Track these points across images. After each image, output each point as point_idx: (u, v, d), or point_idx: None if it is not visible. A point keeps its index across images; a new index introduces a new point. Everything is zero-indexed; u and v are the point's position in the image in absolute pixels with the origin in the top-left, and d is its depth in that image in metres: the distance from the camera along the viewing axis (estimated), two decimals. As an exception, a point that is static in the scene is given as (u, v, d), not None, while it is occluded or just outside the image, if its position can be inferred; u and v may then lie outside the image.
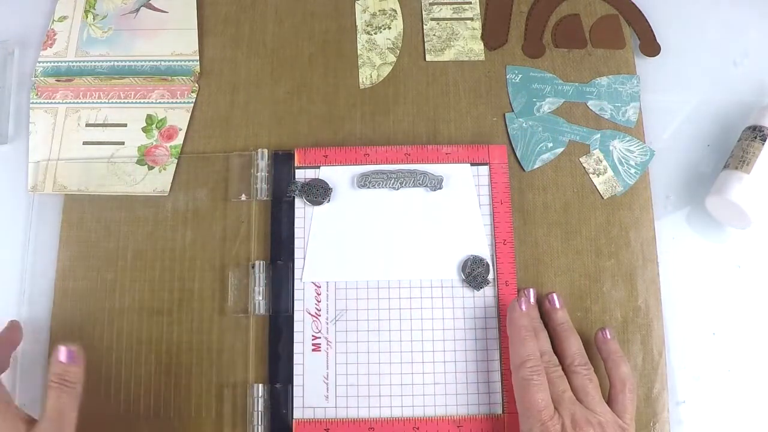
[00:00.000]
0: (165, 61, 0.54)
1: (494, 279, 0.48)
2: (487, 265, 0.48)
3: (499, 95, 0.53)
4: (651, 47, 0.54)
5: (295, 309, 0.48)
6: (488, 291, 0.48)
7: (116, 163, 0.51)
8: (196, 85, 0.53)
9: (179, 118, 0.52)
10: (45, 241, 0.50)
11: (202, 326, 0.48)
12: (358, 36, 0.55)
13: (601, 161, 0.51)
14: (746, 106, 0.53)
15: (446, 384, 0.46)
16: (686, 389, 0.48)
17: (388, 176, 0.49)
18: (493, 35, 0.55)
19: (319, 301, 0.48)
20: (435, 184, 0.49)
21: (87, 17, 0.55)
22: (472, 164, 0.50)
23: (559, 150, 0.51)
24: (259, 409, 0.46)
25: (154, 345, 0.48)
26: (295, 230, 0.49)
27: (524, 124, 0.52)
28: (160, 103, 0.53)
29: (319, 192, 0.49)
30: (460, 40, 0.54)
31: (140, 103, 0.53)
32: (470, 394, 0.46)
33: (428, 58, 0.54)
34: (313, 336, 0.47)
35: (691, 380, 0.48)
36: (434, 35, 0.55)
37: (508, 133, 0.52)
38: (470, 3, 0.56)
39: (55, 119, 0.52)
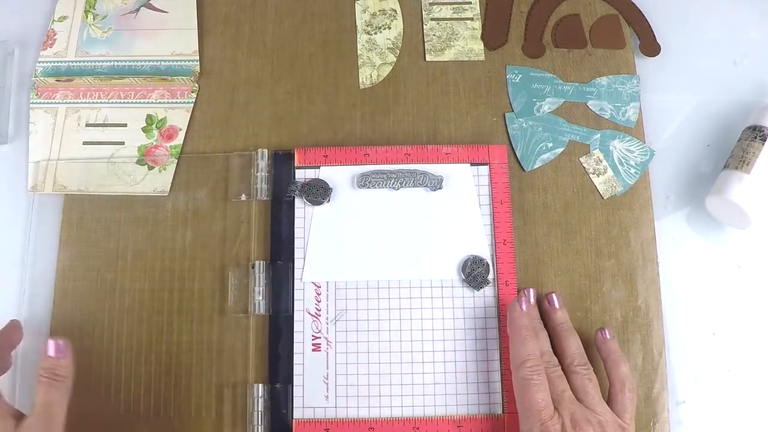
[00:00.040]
0: (165, 61, 0.54)
1: (494, 279, 0.48)
2: (487, 265, 0.48)
3: (499, 95, 0.53)
4: (651, 47, 0.54)
5: (295, 309, 0.48)
6: (488, 291, 0.48)
7: (116, 163, 0.51)
8: (196, 85, 0.53)
9: (179, 118, 0.52)
10: (45, 241, 0.50)
11: (202, 326, 0.48)
12: (358, 36, 0.55)
13: (601, 161, 0.51)
14: (746, 106, 0.53)
15: (446, 384, 0.46)
16: (686, 389, 0.48)
17: (388, 176, 0.49)
18: (493, 35, 0.55)
19: (319, 301, 0.48)
20: (435, 184, 0.49)
21: (87, 17, 0.55)
22: (472, 164, 0.50)
23: (559, 150, 0.51)
24: (259, 409, 0.46)
25: (154, 345, 0.48)
26: (295, 230, 0.49)
27: (524, 124, 0.52)
28: (160, 103, 0.53)
29: (319, 192, 0.49)
30: (460, 40, 0.54)
31: (140, 103, 0.53)
32: (470, 394, 0.46)
33: (428, 58, 0.54)
34: (313, 336, 0.47)
35: (691, 380, 0.48)
36: (434, 35, 0.55)
37: (508, 133, 0.52)
38: (470, 3, 0.56)
39: (55, 119, 0.52)
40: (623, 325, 0.48)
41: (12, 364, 0.46)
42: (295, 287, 0.48)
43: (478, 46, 0.54)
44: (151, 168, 0.51)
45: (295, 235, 0.49)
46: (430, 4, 0.56)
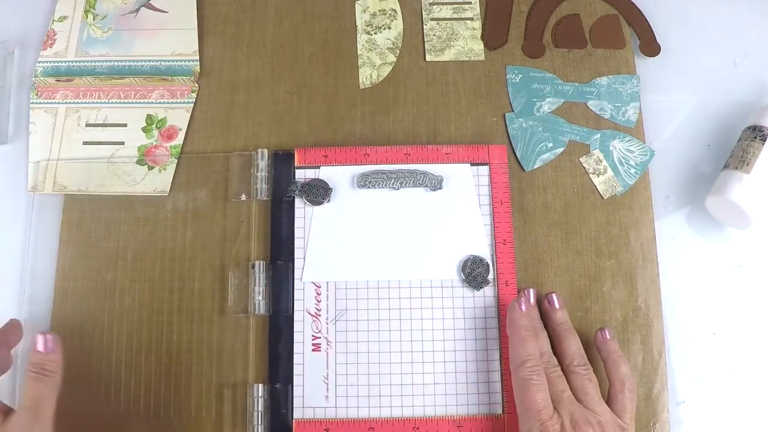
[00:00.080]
0: (165, 61, 0.54)
1: (494, 279, 0.48)
2: (487, 265, 0.48)
3: (499, 95, 0.53)
4: (651, 47, 0.54)
5: (295, 309, 0.48)
6: (488, 291, 0.48)
7: (116, 163, 0.51)
8: (196, 85, 0.53)
9: (179, 118, 0.52)
10: (45, 241, 0.50)
11: (202, 326, 0.48)
12: (358, 36, 0.55)
13: (601, 161, 0.51)
14: (746, 106, 0.53)
15: (446, 384, 0.46)
16: (686, 389, 0.48)
17: (388, 176, 0.49)
18: (493, 35, 0.55)
19: (319, 301, 0.48)
20: (435, 184, 0.49)
21: (87, 17, 0.55)
22: (472, 164, 0.50)
23: (559, 150, 0.51)
24: (259, 409, 0.46)
25: (154, 345, 0.48)
26: (295, 230, 0.49)
27: (524, 124, 0.52)
28: (160, 103, 0.53)
29: (319, 192, 0.49)
30: (460, 40, 0.54)
31: (140, 103, 0.53)
32: (470, 394, 0.46)
33: (428, 58, 0.54)
34: (313, 336, 0.47)
35: (691, 380, 0.48)
36: (434, 35, 0.55)
37: (508, 133, 0.52)
38: (470, 3, 0.56)
39: (55, 119, 0.52)
40: (623, 325, 0.48)
41: (12, 363, 0.46)
42: (295, 287, 0.48)
43: (478, 46, 0.54)
44: (151, 168, 0.51)
45: (295, 235, 0.49)
46: (430, 4, 0.56)
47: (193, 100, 0.53)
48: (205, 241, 0.49)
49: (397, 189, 0.49)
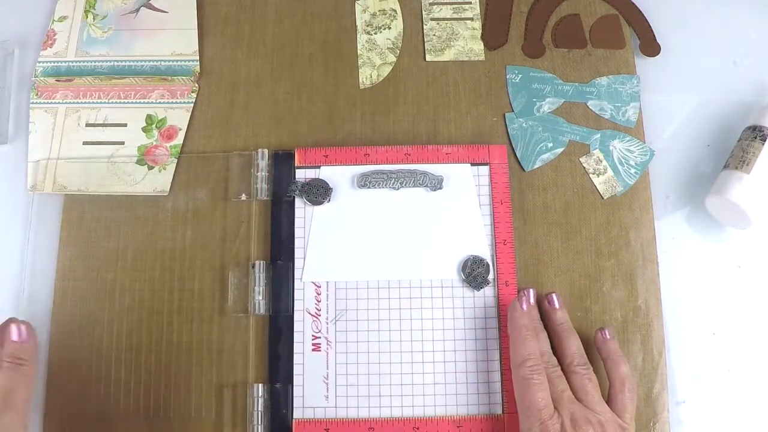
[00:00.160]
0: (165, 61, 0.54)
1: (494, 279, 0.48)
2: (487, 265, 0.48)
3: (499, 95, 0.53)
4: (651, 47, 0.54)
5: (295, 309, 0.48)
6: (488, 291, 0.48)
7: (116, 163, 0.51)
8: (196, 85, 0.53)
9: (179, 118, 0.52)
10: (45, 241, 0.50)
11: (202, 326, 0.48)
12: (358, 36, 0.55)
13: (601, 161, 0.51)
14: (746, 106, 0.53)
15: (446, 384, 0.46)
16: (686, 389, 0.48)
17: (388, 176, 0.49)
18: (493, 35, 0.55)
19: (319, 301, 0.48)
20: (435, 184, 0.49)
21: (87, 17, 0.55)
22: (472, 164, 0.50)
23: (559, 150, 0.51)
24: (259, 409, 0.46)
25: (153, 345, 0.48)
26: (295, 230, 0.49)
27: (524, 124, 0.52)
28: (160, 103, 0.53)
29: (319, 192, 0.49)
30: (460, 40, 0.54)
31: (140, 103, 0.53)
32: (470, 394, 0.46)
33: (428, 58, 0.54)
34: (313, 336, 0.47)
35: (691, 380, 0.48)
36: (434, 35, 0.55)
37: (508, 133, 0.52)
38: (470, 3, 0.56)
39: (55, 119, 0.52)
40: (623, 325, 0.48)
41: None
42: (295, 287, 0.48)
43: (478, 46, 0.54)
44: (151, 168, 0.51)
45: (295, 235, 0.49)
46: (430, 4, 0.56)
47: (193, 100, 0.53)
48: (205, 241, 0.49)
49: (397, 189, 0.49)
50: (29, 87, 0.53)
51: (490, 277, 0.48)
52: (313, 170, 0.50)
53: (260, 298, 0.47)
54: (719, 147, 0.52)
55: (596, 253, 0.49)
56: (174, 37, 0.54)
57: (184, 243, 0.49)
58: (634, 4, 0.56)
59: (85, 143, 0.51)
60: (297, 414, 0.46)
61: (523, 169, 0.51)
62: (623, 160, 0.51)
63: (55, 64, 0.54)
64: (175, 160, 0.51)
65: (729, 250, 0.51)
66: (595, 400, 0.42)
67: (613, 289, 0.49)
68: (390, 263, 0.48)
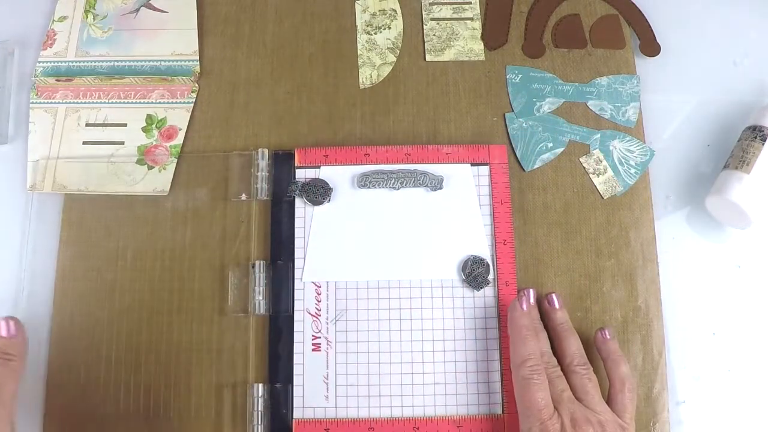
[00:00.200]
0: (165, 61, 0.54)
1: (494, 279, 0.48)
2: (488, 265, 0.48)
3: (499, 95, 0.53)
4: (651, 47, 0.54)
5: (295, 309, 0.48)
6: (488, 291, 0.48)
7: (116, 162, 0.51)
8: (196, 85, 0.53)
9: (179, 117, 0.52)
10: (45, 241, 0.50)
11: (201, 326, 0.48)
12: (358, 36, 0.55)
13: (601, 161, 0.51)
14: (746, 106, 0.53)
15: (446, 384, 0.46)
16: (686, 389, 0.48)
17: (389, 176, 0.49)
18: (493, 35, 0.55)
19: (319, 301, 0.48)
20: (435, 184, 0.49)
21: (87, 17, 0.55)
22: (473, 164, 0.50)
23: (559, 150, 0.51)
24: (259, 409, 0.46)
25: (154, 345, 0.48)
26: (295, 230, 0.49)
27: (524, 124, 0.52)
28: (160, 103, 0.53)
29: (319, 192, 0.49)
30: (460, 40, 0.54)
31: (140, 103, 0.53)
32: (470, 394, 0.46)
33: (428, 58, 0.54)
34: (313, 336, 0.47)
35: (691, 380, 0.48)
36: (434, 35, 0.55)
37: (508, 133, 0.52)
38: (470, 3, 0.56)
39: (54, 119, 0.52)
40: (623, 325, 0.48)
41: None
42: (295, 287, 0.48)
43: (478, 46, 0.54)
44: (150, 168, 0.51)
45: (295, 235, 0.49)
46: (430, 4, 0.56)
47: (193, 100, 0.53)
48: (205, 241, 0.49)
49: (398, 189, 0.49)
50: (29, 87, 0.53)
51: (490, 277, 0.48)
52: (313, 170, 0.50)
53: (260, 298, 0.47)
54: (719, 147, 0.52)
55: (596, 253, 0.49)
56: (174, 37, 0.54)
57: (184, 243, 0.49)
58: (634, 4, 0.56)
59: (85, 143, 0.51)
60: (297, 414, 0.46)
61: (523, 169, 0.51)
62: (623, 160, 0.51)
63: (55, 64, 0.54)
64: (175, 160, 0.51)
65: (729, 250, 0.51)
66: (595, 400, 0.42)
67: (613, 289, 0.49)
68: (390, 263, 0.48)
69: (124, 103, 0.53)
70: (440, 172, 0.50)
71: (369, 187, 0.49)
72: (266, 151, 0.50)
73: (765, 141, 0.48)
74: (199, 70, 0.53)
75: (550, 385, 0.42)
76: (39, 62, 0.54)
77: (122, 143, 0.51)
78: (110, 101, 0.53)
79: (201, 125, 0.52)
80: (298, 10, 0.55)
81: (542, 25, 0.55)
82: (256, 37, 0.55)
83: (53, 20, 0.55)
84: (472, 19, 0.55)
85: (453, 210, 0.49)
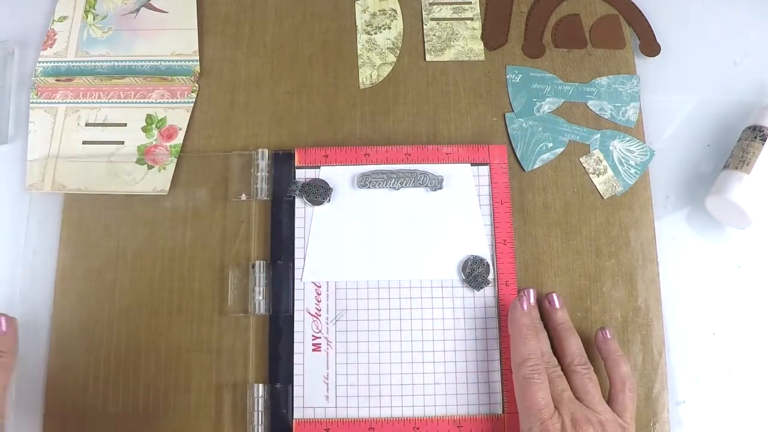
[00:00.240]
0: (165, 61, 0.54)
1: (494, 279, 0.48)
2: (488, 265, 0.48)
3: (499, 95, 0.53)
4: (651, 47, 0.54)
5: (295, 309, 0.47)
6: (488, 291, 0.48)
7: (116, 162, 0.51)
8: (196, 85, 0.53)
9: (179, 117, 0.52)
10: (45, 240, 0.50)
11: (202, 326, 0.48)
12: (358, 36, 0.55)
13: (601, 161, 0.51)
14: (746, 106, 0.53)
15: (446, 384, 0.46)
16: (686, 389, 0.48)
17: (389, 176, 0.49)
18: (493, 35, 0.55)
19: (319, 301, 0.48)
20: (435, 184, 0.49)
21: (87, 17, 0.55)
22: (473, 164, 0.50)
23: (559, 150, 0.51)
24: (259, 409, 0.46)
25: (153, 345, 0.47)
26: (295, 230, 0.49)
27: (524, 124, 0.52)
28: (160, 102, 0.53)
29: (319, 192, 0.49)
30: (460, 40, 0.54)
31: (140, 102, 0.53)
32: (470, 394, 0.46)
33: (428, 58, 0.54)
34: (313, 336, 0.47)
35: (691, 380, 0.48)
36: (434, 35, 0.55)
37: (508, 133, 0.52)
38: (470, 3, 0.56)
39: (54, 119, 0.52)
40: (623, 325, 0.48)
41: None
42: (295, 287, 0.48)
43: (478, 46, 0.54)
44: (150, 167, 0.51)
45: (295, 235, 0.49)
46: (430, 4, 0.56)
47: (193, 100, 0.53)
48: (204, 241, 0.49)
49: (398, 189, 0.49)
50: (29, 87, 0.53)
51: (490, 277, 0.48)
52: (313, 170, 0.50)
53: (260, 298, 0.47)
54: (719, 147, 0.52)
55: (596, 253, 0.49)
56: (174, 37, 0.54)
57: (183, 243, 0.49)
58: (634, 4, 0.56)
59: (84, 143, 0.51)
60: (297, 414, 0.46)
61: (523, 169, 0.51)
62: (623, 160, 0.51)
63: (55, 64, 0.54)
64: (175, 160, 0.51)
65: (729, 250, 0.51)
66: (595, 400, 0.42)
67: (613, 289, 0.49)
68: (390, 263, 0.48)
69: (124, 103, 0.53)
70: (440, 172, 0.50)
71: (369, 187, 0.49)
72: (266, 151, 0.50)
73: (765, 141, 0.48)
74: (199, 70, 0.53)
75: (550, 385, 0.42)
76: (39, 62, 0.54)
77: (122, 143, 0.51)
78: (110, 101, 0.53)
79: (201, 125, 0.52)
80: (298, 10, 0.55)
81: (542, 25, 0.55)
82: (256, 37, 0.55)
83: (53, 20, 0.55)
84: (472, 19, 0.55)
85: (453, 210, 0.49)
